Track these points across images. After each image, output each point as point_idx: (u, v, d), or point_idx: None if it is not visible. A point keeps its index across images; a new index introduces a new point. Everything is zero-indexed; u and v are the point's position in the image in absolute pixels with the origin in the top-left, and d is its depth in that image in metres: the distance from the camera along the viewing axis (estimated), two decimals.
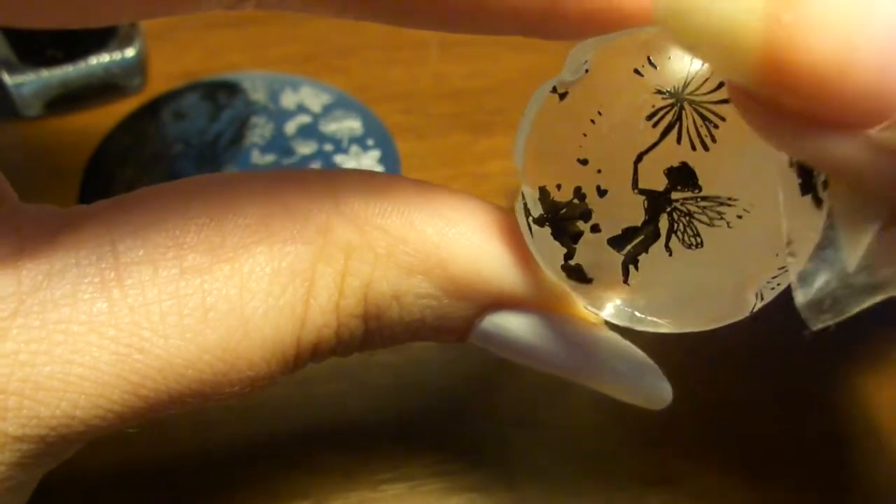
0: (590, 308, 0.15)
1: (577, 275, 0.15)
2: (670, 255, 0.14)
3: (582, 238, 0.14)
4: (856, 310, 0.12)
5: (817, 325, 0.12)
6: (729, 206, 0.14)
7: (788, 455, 0.24)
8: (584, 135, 0.14)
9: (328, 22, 0.37)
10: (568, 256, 0.15)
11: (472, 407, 0.25)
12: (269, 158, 0.31)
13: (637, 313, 0.15)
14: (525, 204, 0.15)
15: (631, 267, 0.14)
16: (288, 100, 0.33)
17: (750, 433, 0.25)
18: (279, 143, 0.31)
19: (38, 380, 0.13)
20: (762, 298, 0.14)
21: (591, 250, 0.14)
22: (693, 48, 0.11)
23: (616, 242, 0.14)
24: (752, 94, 0.11)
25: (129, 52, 0.33)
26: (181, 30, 0.36)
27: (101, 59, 0.33)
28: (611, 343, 0.16)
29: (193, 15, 0.36)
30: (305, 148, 0.31)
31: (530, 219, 0.15)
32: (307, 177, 0.15)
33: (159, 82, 0.34)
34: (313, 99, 0.32)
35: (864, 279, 0.12)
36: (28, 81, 0.32)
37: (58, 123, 0.33)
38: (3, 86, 0.32)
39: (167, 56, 0.34)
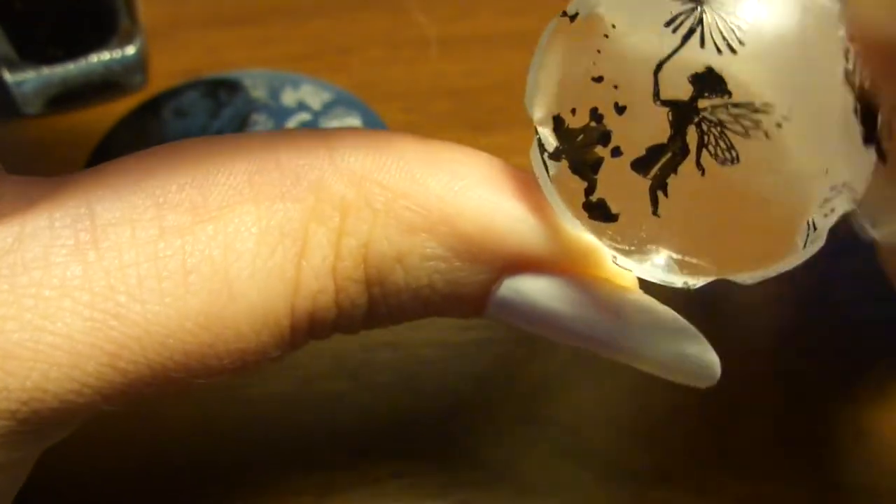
0: (620, 262, 0.14)
1: (601, 212, 0.13)
2: (703, 173, 0.12)
3: (602, 166, 0.13)
4: None
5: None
6: (765, 113, 0.12)
7: (788, 454, 0.24)
8: (598, 51, 0.13)
9: (329, 20, 0.37)
10: (589, 191, 0.13)
11: (472, 404, 0.25)
12: None
13: (673, 255, 0.13)
14: (540, 143, 0.13)
15: (660, 193, 0.13)
16: (288, 97, 0.33)
17: (750, 432, 0.25)
18: None
19: (6, 347, 0.12)
20: (814, 228, 0.13)
21: (614, 179, 0.13)
22: None
23: (640, 164, 0.13)
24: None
25: (130, 50, 0.33)
26: (182, 28, 0.36)
27: (101, 57, 0.33)
28: (647, 308, 0.14)
29: (194, 12, 0.36)
30: None
31: (545, 155, 0.13)
32: (301, 134, 0.14)
33: (160, 80, 0.34)
34: (314, 97, 0.32)
35: None
36: (29, 79, 0.32)
37: (58, 121, 0.33)
38: (3, 84, 0.32)
39: (168, 54, 0.34)
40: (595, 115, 0.13)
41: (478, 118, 0.32)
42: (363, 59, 0.35)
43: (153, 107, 0.33)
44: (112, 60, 0.33)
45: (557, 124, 0.13)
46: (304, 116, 0.32)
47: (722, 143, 0.12)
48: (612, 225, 0.13)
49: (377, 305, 0.14)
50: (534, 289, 0.14)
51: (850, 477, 0.24)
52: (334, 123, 0.32)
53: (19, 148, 0.33)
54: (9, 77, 0.32)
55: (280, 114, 0.32)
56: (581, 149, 0.13)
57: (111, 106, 0.33)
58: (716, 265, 0.13)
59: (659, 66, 0.12)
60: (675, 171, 0.13)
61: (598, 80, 0.13)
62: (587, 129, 0.13)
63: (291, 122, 0.32)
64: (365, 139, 0.14)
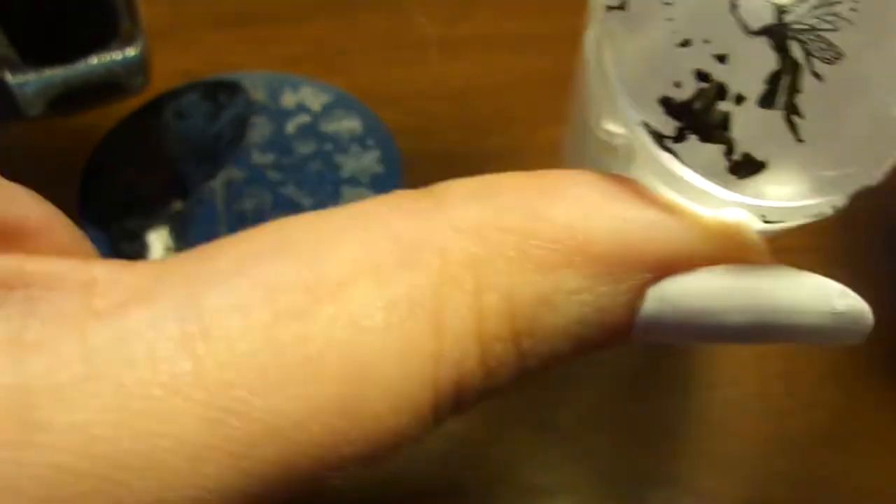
0: (770, 217, 0.13)
1: (750, 166, 0.13)
2: (821, 80, 0.13)
3: (731, 120, 0.13)
4: None
5: None
6: (838, 3, 0.13)
7: (787, 453, 0.24)
8: (670, 19, 0.13)
9: (328, 22, 0.37)
10: (729, 152, 0.13)
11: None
12: (270, 158, 0.31)
13: (826, 173, 0.13)
14: (652, 135, 0.13)
15: (794, 118, 0.13)
16: (288, 99, 0.33)
17: (750, 432, 0.25)
18: (279, 143, 0.31)
19: (116, 457, 0.11)
20: None
21: (747, 128, 0.13)
22: None
23: (767, 99, 0.13)
24: None
25: (132, 52, 0.33)
26: (181, 29, 0.36)
27: (103, 59, 0.33)
28: (795, 274, 0.13)
29: (194, 14, 0.36)
30: (305, 147, 0.31)
31: (668, 142, 0.13)
32: (405, 195, 0.13)
33: (159, 82, 0.34)
34: (313, 98, 0.32)
35: None
36: (30, 81, 0.32)
37: (57, 124, 0.33)
38: (5, 86, 0.32)
39: (167, 56, 0.34)
40: (701, 75, 0.13)
41: (477, 120, 0.32)
42: (363, 60, 0.35)
43: (152, 109, 0.33)
44: (113, 62, 0.33)
45: (667, 105, 0.13)
46: (304, 118, 0.32)
47: (822, 44, 0.13)
48: (763, 177, 0.13)
49: (527, 358, 0.13)
50: (679, 290, 0.13)
51: (857, 478, 0.24)
52: (334, 125, 0.32)
53: (18, 150, 0.33)
54: (10, 79, 0.32)
55: (279, 115, 0.32)
56: (704, 113, 0.13)
57: (110, 108, 0.33)
58: (862, 167, 0.13)
59: (732, 5, 0.13)
60: (798, 88, 0.13)
61: (685, 44, 0.13)
62: (701, 93, 0.13)
63: (291, 124, 0.32)
64: (471, 187, 0.13)
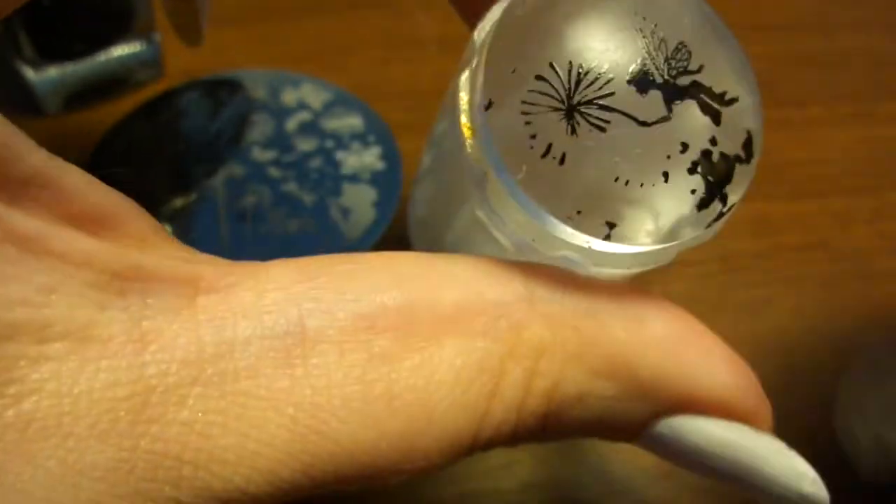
0: (606, 270, 0.15)
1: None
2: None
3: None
4: None
5: None
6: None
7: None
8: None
9: (329, 20, 0.37)
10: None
11: None
12: (270, 155, 0.31)
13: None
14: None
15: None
16: (289, 97, 0.33)
17: None
18: (280, 140, 0.31)
19: (213, 451, 0.12)
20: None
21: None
22: None
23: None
24: None
25: (146, 45, 0.33)
26: None
27: (118, 53, 0.33)
28: (784, 451, 0.15)
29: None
30: (306, 145, 0.31)
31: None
32: (503, 266, 0.15)
33: (160, 80, 0.34)
34: (314, 96, 0.33)
35: None
36: (50, 77, 0.32)
37: (58, 121, 0.33)
38: (25, 82, 0.32)
39: (168, 54, 0.34)
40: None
41: None
42: (363, 58, 0.35)
43: (153, 107, 0.33)
44: (129, 55, 0.33)
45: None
46: (305, 116, 0.32)
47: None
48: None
49: (545, 431, 0.15)
50: (690, 429, 0.15)
51: (857, 477, 0.24)
52: (334, 122, 0.32)
53: None
54: (32, 75, 0.32)
55: (280, 113, 0.32)
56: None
57: (111, 106, 0.33)
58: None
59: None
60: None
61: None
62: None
63: (292, 122, 0.32)
64: (560, 281, 0.15)
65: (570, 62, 0.14)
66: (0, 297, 0.12)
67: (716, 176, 0.14)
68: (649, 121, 0.14)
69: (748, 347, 0.26)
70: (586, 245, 0.14)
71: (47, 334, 0.12)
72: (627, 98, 0.14)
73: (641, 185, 0.14)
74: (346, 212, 0.29)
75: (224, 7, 0.37)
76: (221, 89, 0.33)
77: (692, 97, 0.14)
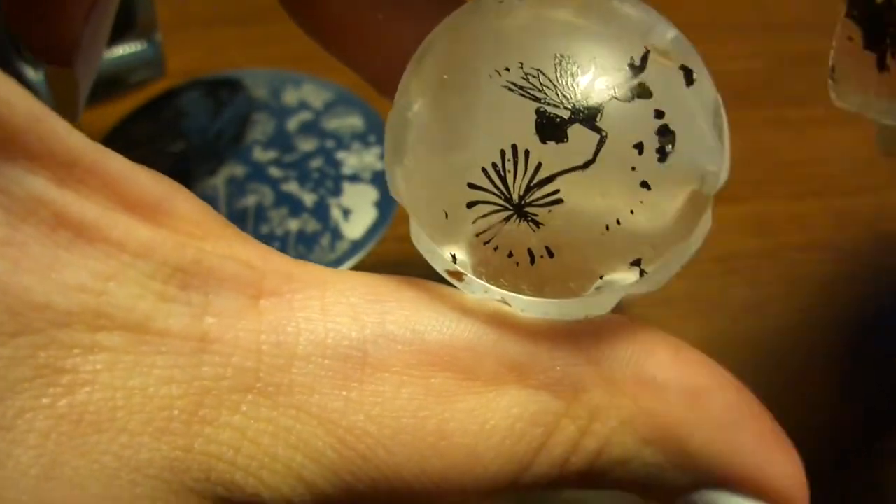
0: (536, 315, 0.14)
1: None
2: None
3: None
4: None
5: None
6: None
7: None
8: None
9: None
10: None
11: None
12: (271, 155, 0.31)
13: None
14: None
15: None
16: (290, 97, 0.33)
17: None
18: (281, 140, 0.31)
19: (263, 460, 0.12)
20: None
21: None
22: None
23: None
24: None
25: (147, 45, 0.33)
26: (182, 28, 0.36)
27: (118, 53, 0.33)
28: None
29: (195, 12, 0.36)
30: (307, 144, 0.31)
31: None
32: (573, 323, 0.15)
33: (161, 80, 0.34)
34: (315, 96, 0.33)
35: None
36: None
37: None
38: (27, 82, 0.32)
39: (169, 54, 0.34)
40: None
41: None
42: None
43: (154, 107, 0.33)
44: (130, 55, 0.33)
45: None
46: (306, 115, 0.32)
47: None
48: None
49: (583, 483, 0.15)
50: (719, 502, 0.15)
51: (858, 476, 0.24)
52: (335, 122, 0.32)
53: None
54: (33, 75, 0.32)
55: (281, 113, 0.32)
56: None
57: (111, 106, 0.33)
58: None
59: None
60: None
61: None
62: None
63: (292, 121, 0.32)
64: (625, 343, 0.14)
65: (483, 169, 0.13)
66: (55, 283, 0.11)
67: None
68: (591, 156, 0.13)
69: (748, 347, 0.26)
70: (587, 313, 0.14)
71: (103, 323, 0.12)
72: (555, 156, 0.13)
73: (618, 221, 0.13)
74: (346, 211, 0.29)
75: (224, 7, 0.37)
76: (222, 89, 0.33)
77: (609, 98, 0.13)
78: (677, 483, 0.15)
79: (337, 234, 0.28)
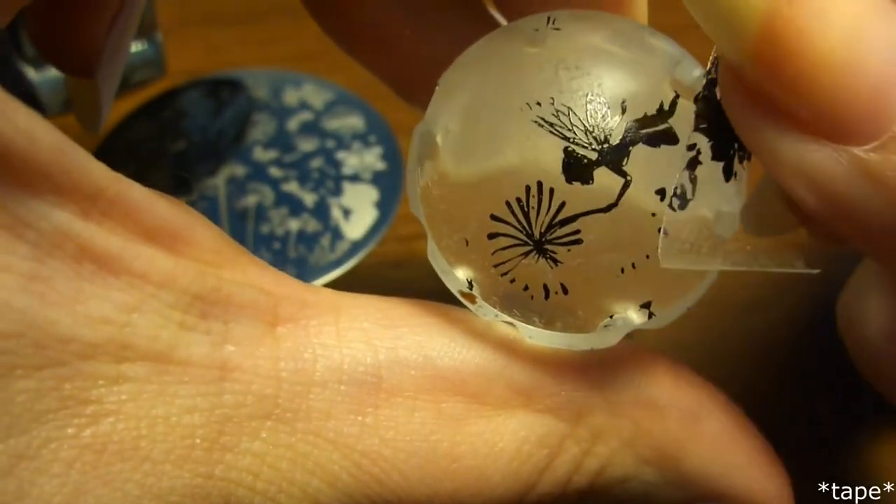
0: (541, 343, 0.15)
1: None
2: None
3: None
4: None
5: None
6: None
7: (783, 450, 0.24)
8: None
9: None
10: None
11: None
12: (272, 155, 0.31)
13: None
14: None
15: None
16: (290, 97, 0.33)
17: None
18: (281, 140, 0.31)
19: (281, 485, 0.13)
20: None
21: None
22: (692, 1, 0.10)
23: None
24: (740, 76, 0.11)
25: (147, 45, 0.33)
26: (183, 27, 0.36)
27: None
28: None
29: (196, 12, 0.36)
30: (308, 144, 0.31)
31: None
32: (577, 352, 0.15)
33: (161, 80, 0.34)
34: (315, 96, 0.33)
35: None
36: (51, 76, 0.32)
37: (59, 121, 0.33)
38: (28, 83, 0.32)
39: (169, 53, 0.34)
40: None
41: None
42: None
43: (155, 106, 0.33)
44: (131, 55, 0.33)
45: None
46: (306, 115, 0.32)
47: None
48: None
49: (578, 500, 0.15)
50: None
51: (859, 476, 0.24)
52: (336, 122, 0.32)
53: None
54: (33, 75, 0.32)
55: (282, 113, 0.32)
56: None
57: (112, 106, 0.33)
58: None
59: None
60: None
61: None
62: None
63: (293, 121, 0.32)
64: (627, 368, 0.15)
65: (507, 202, 0.13)
66: (80, 315, 0.12)
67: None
68: (614, 200, 0.13)
69: (747, 347, 0.26)
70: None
71: (127, 354, 0.12)
72: (579, 196, 0.13)
73: (633, 265, 0.13)
74: (347, 212, 0.29)
75: (224, 7, 0.37)
76: (223, 89, 0.33)
77: (637, 142, 0.13)
78: (673, 500, 0.15)
79: (337, 235, 0.28)
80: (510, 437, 0.14)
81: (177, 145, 0.31)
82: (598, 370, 0.15)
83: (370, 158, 0.31)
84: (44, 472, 0.11)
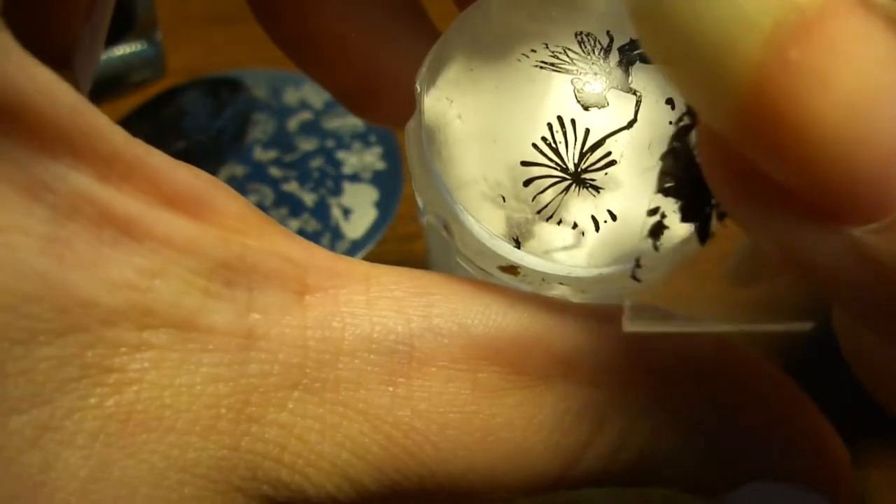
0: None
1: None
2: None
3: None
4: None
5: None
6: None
7: None
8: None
9: None
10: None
11: None
12: (272, 154, 0.31)
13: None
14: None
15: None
16: (290, 96, 0.33)
17: None
18: (281, 140, 0.31)
19: (309, 457, 0.12)
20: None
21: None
22: (666, 60, 0.09)
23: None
24: (723, 145, 0.09)
25: (147, 45, 0.33)
26: (183, 26, 0.36)
27: (119, 52, 0.33)
28: None
29: (196, 11, 0.36)
30: (307, 144, 0.31)
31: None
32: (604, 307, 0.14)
33: (161, 80, 0.34)
34: (315, 95, 0.33)
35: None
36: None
37: None
38: None
39: (169, 53, 0.34)
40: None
41: None
42: None
43: (154, 106, 0.33)
44: (131, 55, 0.33)
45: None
46: (306, 115, 0.32)
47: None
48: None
49: (632, 479, 0.14)
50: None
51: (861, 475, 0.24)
52: (336, 122, 0.32)
53: None
54: None
55: (281, 113, 0.32)
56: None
57: (112, 105, 0.33)
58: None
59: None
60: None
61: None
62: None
63: (293, 121, 0.32)
64: (670, 340, 0.14)
65: (534, 144, 0.13)
66: (101, 280, 0.11)
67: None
68: (633, 116, 0.13)
69: (750, 346, 0.26)
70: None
71: (149, 321, 0.11)
72: (600, 120, 0.13)
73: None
74: (347, 211, 0.29)
75: (224, 7, 0.37)
76: (223, 88, 0.33)
77: (633, 61, 0.13)
78: (714, 482, 0.14)
79: (337, 234, 0.28)
80: (549, 409, 0.13)
81: (177, 145, 0.31)
82: (640, 339, 0.14)
83: (370, 158, 0.31)
84: (68, 444, 0.11)
